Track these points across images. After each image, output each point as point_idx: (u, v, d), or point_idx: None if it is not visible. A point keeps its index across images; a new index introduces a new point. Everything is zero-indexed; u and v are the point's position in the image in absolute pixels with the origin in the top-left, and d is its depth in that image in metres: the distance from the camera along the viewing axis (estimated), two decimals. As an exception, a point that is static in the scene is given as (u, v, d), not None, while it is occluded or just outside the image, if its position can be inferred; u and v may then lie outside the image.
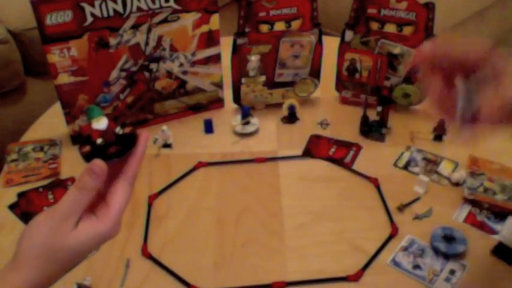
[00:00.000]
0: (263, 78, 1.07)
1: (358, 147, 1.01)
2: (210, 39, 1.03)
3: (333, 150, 1.01)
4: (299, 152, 1.00)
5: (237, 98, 1.09)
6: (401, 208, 0.88)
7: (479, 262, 0.77)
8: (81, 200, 0.53)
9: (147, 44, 0.99)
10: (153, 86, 1.04)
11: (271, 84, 1.09)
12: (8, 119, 1.43)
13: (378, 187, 0.92)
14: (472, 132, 0.57)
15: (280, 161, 0.98)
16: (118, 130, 0.58)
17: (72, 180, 0.95)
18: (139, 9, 0.94)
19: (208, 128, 1.06)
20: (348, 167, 0.97)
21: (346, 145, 1.02)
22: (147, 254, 0.81)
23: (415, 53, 0.62)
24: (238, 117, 1.06)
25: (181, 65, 1.04)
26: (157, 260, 0.80)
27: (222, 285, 0.77)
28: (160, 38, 0.99)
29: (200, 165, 0.97)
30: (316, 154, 1.00)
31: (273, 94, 1.10)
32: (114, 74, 0.99)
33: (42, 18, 0.88)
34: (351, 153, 1.00)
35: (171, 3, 0.96)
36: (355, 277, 0.77)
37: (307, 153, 1.01)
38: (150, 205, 0.89)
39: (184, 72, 1.05)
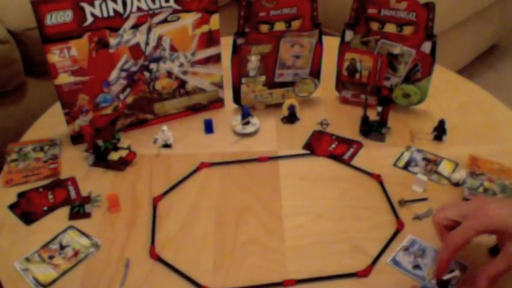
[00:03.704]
0: (263, 78, 1.07)
1: (359, 146, 1.01)
2: (210, 39, 1.03)
3: (333, 146, 1.01)
4: (299, 152, 1.00)
5: (237, 98, 1.09)
6: (402, 203, 0.88)
7: (479, 262, 0.77)
8: None
9: (147, 44, 0.99)
10: (153, 86, 1.04)
11: (271, 84, 1.09)
12: (8, 119, 1.43)
13: (381, 183, 0.92)
14: None
15: (280, 160, 0.98)
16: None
17: (72, 180, 0.95)
18: (139, 9, 0.94)
19: (208, 128, 1.06)
20: (346, 162, 0.97)
21: (347, 142, 1.02)
22: (155, 256, 0.81)
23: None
24: (238, 117, 1.06)
25: (181, 65, 1.04)
26: (167, 262, 0.80)
27: (222, 285, 0.77)
28: (160, 38, 0.99)
29: (203, 165, 0.97)
30: (316, 149, 1.00)
31: (273, 94, 1.10)
32: (114, 74, 0.99)
33: (42, 18, 0.88)
34: (351, 150, 1.00)
35: (171, 3, 0.96)
36: (365, 272, 0.77)
37: (308, 147, 1.01)
38: (155, 207, 0.89)
39: (184, 72, 1.05)
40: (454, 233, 0.71)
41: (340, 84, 1.12)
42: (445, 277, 0.74)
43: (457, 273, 0.74)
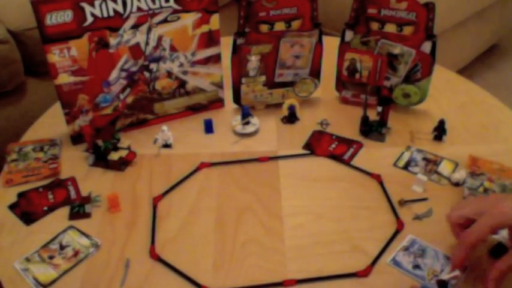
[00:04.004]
0: (263, 78, 1.07)
1: (359, 146, 1.01)
2: (210, 39, 1.03)
3: (333, 146, 1.01)
4: (299, 152, 1.00)
5: (237, 98, 1.09)
6: (402, 203, 0.88)
7: (479, 263, 0.77)
8: None
9: (147, 44, 0.99)
10: (153, 86, 1.04)
11: (271, 84, 1.09)
12: (8, 119, 1.43)
13: (381, 183, 0.92)
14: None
15: (280, 160, 0.98)
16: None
17: (72, 180, 0.95)
18: (139, 9, 0.94)
19: (208, 128, 1.06)
20: (346, 162, 0.97)
21: (347, 142, 1.02)
22: (155, 256, 0.81)
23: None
24: (238, 117, 1.06)
25: (181, 65, 1.04)
26: (167, 262, 0.80)
27: (222, 285, 0.77)
28: (160, 38, 0.99)
29: (203, 165, 0.97)
30: (316, 149, 1.00)
31: (273, 94, 1.10)
32: (114, 74, 0.99)
33: (42, 18, 0.88)
34: (351, 150, 1.00)
35: (171, 3, 0.96)
36: (365, 272, 0.77)
37: (308, 147, 1.01)
38: (155, 207, 0.89)
39: (184, 72, 1.05)
40: (469, 230, 0.72)
41: (340, 84, 1.12)
42: (445, 277, 0.74)
43: (457, 273, 0.74)
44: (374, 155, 0.99)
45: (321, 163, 0.98)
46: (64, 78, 0.95)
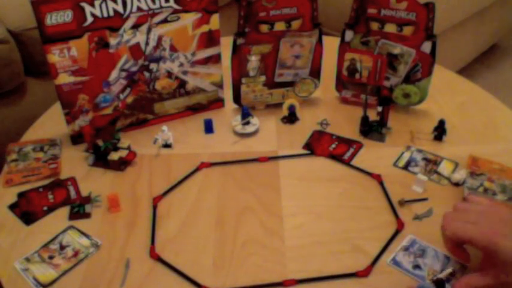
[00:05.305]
0: (263, 78, 1.07)
1: (359, 146, 1.01)
2: (210, 39, 1.03)
3: (333, 146, 1.01)
4: (299, 152, 1.00)
5: (237, 98, 1.09)
6: (402, 203, 0.88)
7: (479, 263, 0.77)
8: None
9: (147, 44, 0.99)
10: (153, 86, 1.04)
11: (271, 84, 1.09)
12: (8, 119, 1.43)
13: (381, 183, 0.92)
14: None
15: (280, 160, 0.98)
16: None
17: (72, 180, 0.95)
18: (139, 9, 0.94)
19: (208, 128, 1.06)
20: (346, 162, 0.97)
21: (347, 142, 1.02)
22: (155, 256, 0.81)
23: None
24: (238, 117, 1.06)
25: (181, 65, 1.04)
26: (166, 262, 0.80)
27: (222, 285, 0.77)
28: (160, 38, 0.99)
29: (203, 165, 0.97)
30: (316, 149, 1.00)
31: (273, 94, 1.10)
32: (114, 74, 0.99)
33: (42, 18, 0.88)
34: (351, 150, 1.00)
35: (171, 3, 0.96)
36: (365, 272, 0.77)
37: (308, 147, 1.01)
38: (155, 207, 0.89)
39: (185, 72, 1.05)
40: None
41: (340, 84, 1.12)
42: (441, 275, 0.74)
43: (451, 270, 0.74)
44: (374, 155, 0.99)
45: (321, 163, 0.98)
46: (64, 78, 0.95)
